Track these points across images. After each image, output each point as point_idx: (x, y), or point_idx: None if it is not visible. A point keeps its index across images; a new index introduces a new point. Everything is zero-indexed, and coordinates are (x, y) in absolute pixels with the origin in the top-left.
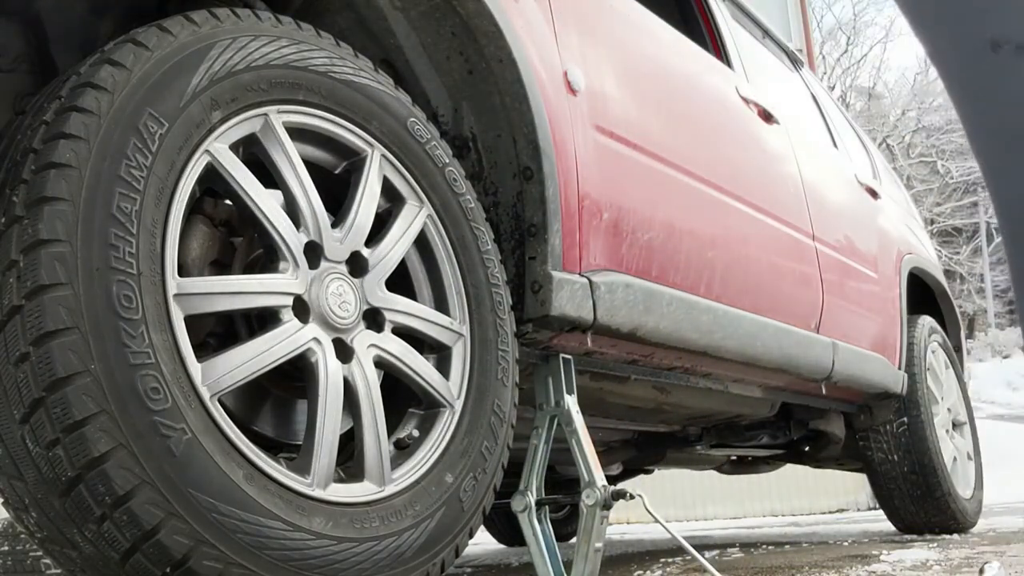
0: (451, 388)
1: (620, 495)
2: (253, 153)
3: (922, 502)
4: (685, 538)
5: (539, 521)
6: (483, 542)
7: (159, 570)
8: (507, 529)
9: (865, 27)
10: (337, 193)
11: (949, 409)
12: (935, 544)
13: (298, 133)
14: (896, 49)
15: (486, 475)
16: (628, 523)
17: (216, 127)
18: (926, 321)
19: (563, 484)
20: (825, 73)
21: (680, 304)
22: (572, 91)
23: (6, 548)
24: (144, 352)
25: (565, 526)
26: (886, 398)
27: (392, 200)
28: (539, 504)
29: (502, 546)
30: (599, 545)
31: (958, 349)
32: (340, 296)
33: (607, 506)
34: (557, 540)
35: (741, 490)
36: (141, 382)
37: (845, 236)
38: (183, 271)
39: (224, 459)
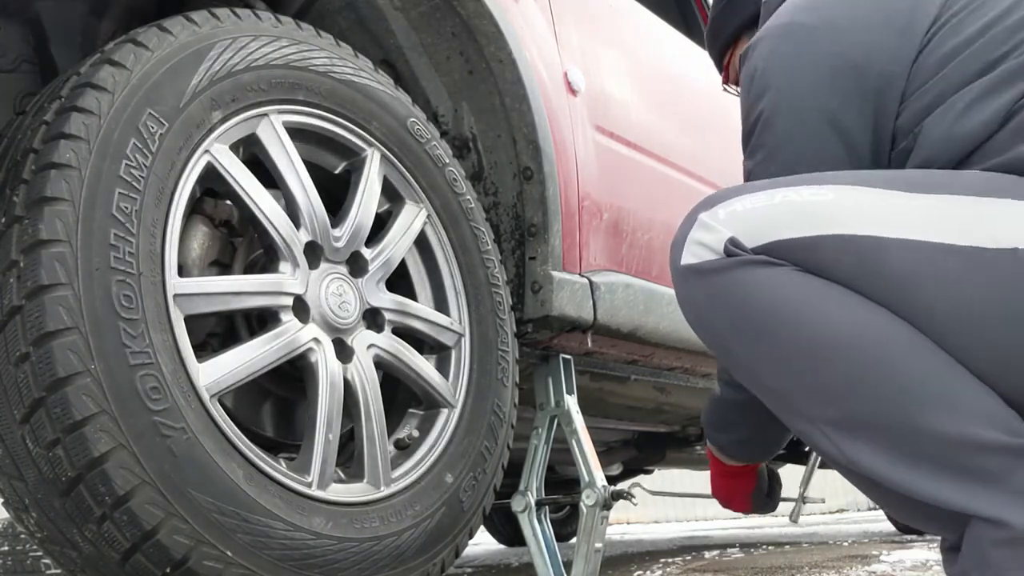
0: (451, 388)
1: (620, 495)
2: (253, 153)
3: None
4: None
5: (539, 521)
6: (483, 542)
7: (159, 570)
8: (507, 529)
9: None
10: (337, 193)
11: None
12: (935, 544)
13: (298, 133)
14: None
15: (486, 475)
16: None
17: (216, 127)
18: None
19: (563, 484)
20: None
21: None
22: (572, 91)
23: (6, 548)
24: (144, 352)
25: (565, 526)
26: None
27: (392, 200)
28: (539, 504)
29: (502, 546)
30: (599, 545)
31: None
32: (340, 296)
33: (607, 506)
34: (557, 540)
35: None
36: (141, 382)
37: None
38: (183, 271)
39: (224, 459)
